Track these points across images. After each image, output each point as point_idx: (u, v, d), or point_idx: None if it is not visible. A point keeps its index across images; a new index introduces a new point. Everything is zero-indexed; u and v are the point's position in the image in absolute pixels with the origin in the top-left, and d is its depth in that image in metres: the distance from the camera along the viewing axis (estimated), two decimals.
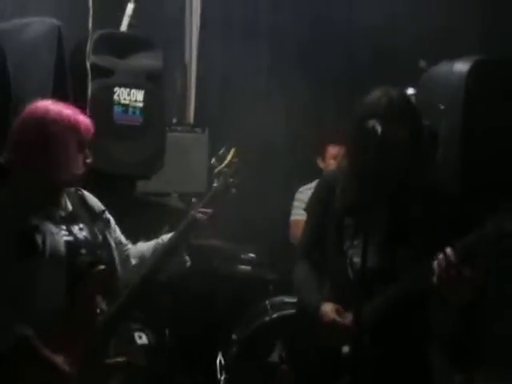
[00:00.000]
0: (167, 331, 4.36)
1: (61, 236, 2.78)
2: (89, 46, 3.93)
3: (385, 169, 2.73)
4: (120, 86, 4.02)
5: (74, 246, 2.80)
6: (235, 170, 2.98)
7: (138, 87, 4.06)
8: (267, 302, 4.17)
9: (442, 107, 3.59)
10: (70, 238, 2.82)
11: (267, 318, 4.08)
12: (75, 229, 2.86)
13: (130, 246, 3.11)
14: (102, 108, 3.95)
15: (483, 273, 2.59)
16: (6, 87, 3.41)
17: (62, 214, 2.86)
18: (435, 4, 5.18)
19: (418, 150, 2.81)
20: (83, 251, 2.83)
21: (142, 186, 4.43)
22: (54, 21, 3.75)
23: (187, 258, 3.10)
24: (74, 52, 4.01)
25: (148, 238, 3.21)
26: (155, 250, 3.03)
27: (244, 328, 4.16)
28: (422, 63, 4.11)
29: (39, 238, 2.70)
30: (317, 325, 2.81)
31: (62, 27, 3.76)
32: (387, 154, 2.68)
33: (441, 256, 2.50)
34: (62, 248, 2.76)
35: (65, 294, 2.74)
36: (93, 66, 3.93)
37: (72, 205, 2.92)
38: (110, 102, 3.99)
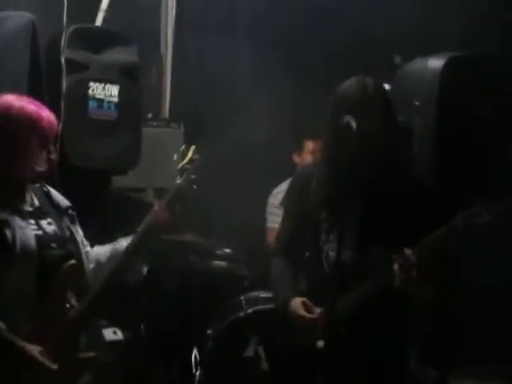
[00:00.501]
0: (142, 326, 4.35)
1: (30, 230, 2.76)
2: (63, 41, 3.90)
3: (360, 163, 2.74)
4: (95, 81, 3.97)
5: (44, 239, 2.78)
6: (196, 166, 2.99)
7: (112, 82, 4.02)
8: (242, 298, 4.17)
9: (417, 103, 3.60)
10: (40, 232, 2.79)
11: (242, 314, 4.08)
12: (44, 223, 2.84)
13: (88, 248, 3.07)
14: (76, 103, 3.91)
15: (446, 268, 2.62)
16: None
17: (29, 209, 2.83)
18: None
19: (393, 144, 2.82)
20: (53, 245, 2.81)
21: (117, 181, 4.39)
22: (29, 15, 3.72)
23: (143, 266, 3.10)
24: (48, 46, 3.99)
25: (123, 234, 3.19)
26: (114, 255, 2.98)
27: (219, 323, 4.15)
28: (397, 59, 4.12)
29: (9, 233, 2.69)
30: (288, 319, 2.82)
31: (37, 22, 3.75)
32: (362, 148, 2.70)
33: (400, 257, 2.52)
34: (33, 242, 2.73)
35: (35, 289, 2.72)
36: (67, 60, 3.90)
37: (38, 200, 2.89)
38: (84, 96, 3.94)
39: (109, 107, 4.02)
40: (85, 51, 3.99)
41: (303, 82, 5.30)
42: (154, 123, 4.77)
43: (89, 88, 3.96)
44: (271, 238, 4.61)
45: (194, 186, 2.96)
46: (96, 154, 3.99)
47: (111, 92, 4.02)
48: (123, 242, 2.97)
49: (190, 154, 3.03)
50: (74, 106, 3.89)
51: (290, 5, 5.38)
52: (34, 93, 3.47)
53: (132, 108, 4.12)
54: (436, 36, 4.78)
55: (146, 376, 4.43)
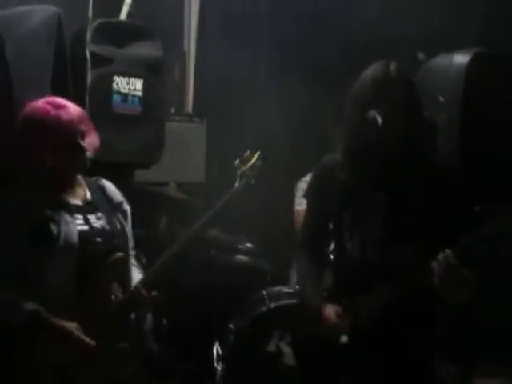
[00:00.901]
0: (165, 321, 4.35)
1: (75, 225, 2.84)
2: (88, 35, 3.90)
3: (385, 158, 2.70)
4: (119, 75, 3.97)
5: (88, 234, 2.86)
6: (257, 172, 3.00)
7: (137, 76, 4.01)
8: (264, 292, 4.15)
9: (442, 99, 3.58)
10: (86, 227, 2.88)
11: (264, 308, 4.06)
12: (92, 218, 2.92)
13: (133, 252, 3.16)
14: (101, 96, 3.91)
15: (480, 275, 2.57)
16: (5, 75, 3.39)
17: (79, 203, 2.92)
18: None
19: (418, 131, 2.76)
20: (99, 239, 2.88)
21: (140, 175, 4.40)
22: (55, 8, 3.72)
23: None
24: (73, 40, 3.98)
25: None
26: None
27: (241, 318, 4.14)
28: (420, 55, 4.10)
29: (54, 227, 2.77)
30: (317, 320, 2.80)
31: (62, 15, 3.75)
32: (386, 140, 2.66)
33: (441, 257, 2.47)
34: (75, 236, 2.81)
35: (76, 282, 2.80)
36: (92, 54, 3.90)
37: (92, 195, 2.98)
38: (109, 90, 3.94)
39: (133, 101, 4.01)
40: (109, 45, 3.98)
41: (324, 81, 5.29)
42: (177, 118, 4.79)
43: (113, 82, 3.96)
44: (298, 219, 4.62)
45: (253, 191, 2.98)
46: (119, 148, 3.99)
47: (135, 86, 4.02)
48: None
49: (253, 160, 3.04)
50: (99, 99, 3.89)
51: (312, 3, 5.37)
52: (58, 86, 3.50)
53: (156, 102, 4.10)
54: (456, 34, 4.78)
55: (168, 369, 4.44)
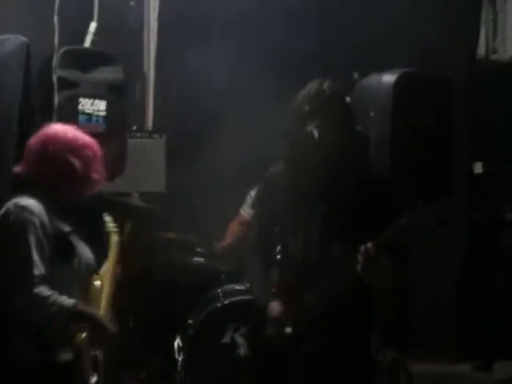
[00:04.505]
0: (131, 318, 4.36)
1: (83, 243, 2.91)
2: (55, 61, 3.92)
3: (322, 167, 2.77)
4: (84, 97, 3.99)
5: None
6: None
7: (100, 98, 4.03)
8: (219, 290, 4.20)
9: (373, 115, 3.64)
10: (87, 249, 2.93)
11: (219, 304, 4.11)
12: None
13: None
14: (67, 117, 3.87)
15: (401, 260, 2.66)
16: None
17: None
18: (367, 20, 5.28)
19: (352, 149, 2.83)
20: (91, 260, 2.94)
21: (106, 186, 4.41)
22: (23, 38, 3.74)
23: None
24: (41, 66, 4.00)
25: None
26: None
27: (199, 313, 4.17)
28: (355, 75, 4.18)
29: (72, 245, 2.84)
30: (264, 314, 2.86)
31: (30, 43, 3.76)
32: (324, 154, 2.73)
33: (362, 249, 2.57)
34: (91, 256, 2.91)
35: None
36: (59, 79, 3.90)
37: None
38: (75, 111, 3.95)
39: (97, 120, 4.03)
40: (75, 70, 3.99)
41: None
42: (139, 134, 4.81)
43: (79, 103, 3.97)
44: (234, 222, 4.69)
45: None
46: None
47: (99, 107, 4.04)
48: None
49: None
50: (66, 119, 3.81)
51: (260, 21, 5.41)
52: (26, 109, 3.51)
53: (118, 121, 4.13)
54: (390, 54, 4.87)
55: (135, 362, 4.45)
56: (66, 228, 2.85)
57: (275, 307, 2.83)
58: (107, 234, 3.17)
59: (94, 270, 2.93)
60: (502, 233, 5.02)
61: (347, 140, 2.80)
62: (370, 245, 2.56)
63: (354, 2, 5.35)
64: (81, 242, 2.90)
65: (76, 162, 2.87)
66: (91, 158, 2.93)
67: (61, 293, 2.71)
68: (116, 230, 3.14)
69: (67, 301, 2.70)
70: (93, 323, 2.75)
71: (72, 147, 2.90)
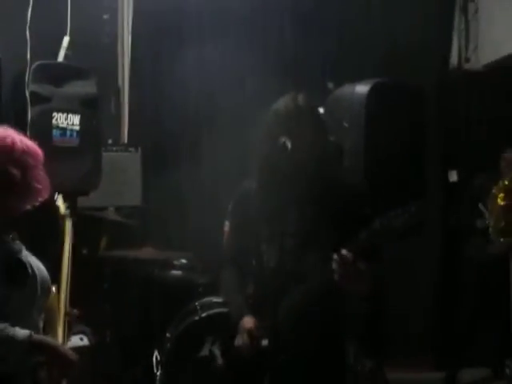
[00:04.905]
0: (108, 333, 4.33)
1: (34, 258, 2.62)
2: (28, 76, 3.90)
3: (295, 177, 2.76)
4: (58, 111, 3.97)
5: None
6: None
7: (74, 112, 4.02)
8: (197, 303, 4.14)
9: (346, 125, 3.65)
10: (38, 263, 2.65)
11: (197, 317, 4.05)
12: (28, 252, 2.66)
13: None
14: (41, 131, 3.89)
15: (377, 264, 2.63)
16: None
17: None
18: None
19: (325, 156, 2.81)
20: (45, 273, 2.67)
21: (81, 201, 4.38)
22: None
23: None
24: (14, 81, 3.98)
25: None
26: None
27: (177, 326, 4.12)
28: (330, 85, 4.19)
29: (28, 265, 2.55)
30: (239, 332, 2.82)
31: (3, 58, 3.74)
32: (296, 164, 2.72)
33: (336, 256, 2.54)
34: (44, 270, 2.63)
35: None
36: (32, 93, 3.89)
37: None
38: (48, 125, 3.93)
39: (71, 135, 4.01)
40: (48, 85, 3.98)
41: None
42: (114, 148, 4.79)
43: (52, 118, 3.95)
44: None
45: None
46: (61, 178, 3.96)
47: (73, 121, 4.02)
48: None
49: None
50: (39, 134, 3.83)
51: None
52: None
53: (92, 135, 4.12)
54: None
55: (112, 377, 4.41)
56: (15, 247, 2.55)
57: (249, 321, 2.79)
58: (62, 219, 2.94)
59: (49, 284, 2.66)
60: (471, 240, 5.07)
61: (320, 151, 2.78)
62: (344, 251, 2.53)
63: (327, 13, 5.38)
64: (32, 258, 2.60)
65: (15, 172, 2.49)
66: (33, 167, 2.55)
67: (19, 316, 2.48)
68: (69, 213, 2.85)
69: (20, 333, 2.42)
70: (51, 353, 2.49)
71: (11, 155, 2.50)
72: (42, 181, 2.57)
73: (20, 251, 2.56)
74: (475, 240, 4.96)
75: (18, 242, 2.59)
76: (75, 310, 2.67)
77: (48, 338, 2.56)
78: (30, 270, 2.53)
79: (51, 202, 4.02)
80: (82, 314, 2.76)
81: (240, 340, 2.79)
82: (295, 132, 2.70)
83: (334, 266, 2.53)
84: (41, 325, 2.62)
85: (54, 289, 2.71)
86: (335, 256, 2.53)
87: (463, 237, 5.13)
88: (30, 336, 2.42)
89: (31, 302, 2.55)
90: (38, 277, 2.57)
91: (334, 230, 2.67)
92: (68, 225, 2.82)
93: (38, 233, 2.96)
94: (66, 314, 2.67)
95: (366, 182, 3.54)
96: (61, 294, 2.72)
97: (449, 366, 4.99)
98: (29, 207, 2.58)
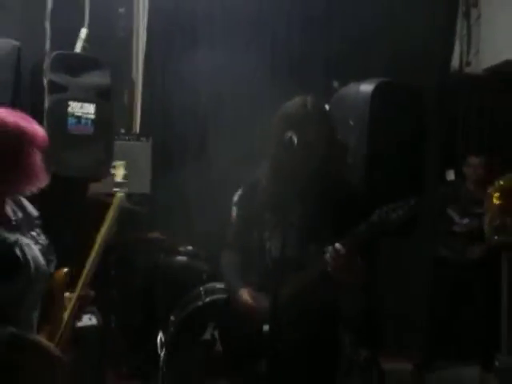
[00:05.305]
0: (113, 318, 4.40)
1: (34, 246, 2.48)
2: (46, 65, 3.98)
3: (300, 172, 2.85)
4: (73, 101, 4.05)
5: (43, 253, 2.51)
6: None
7: (89, 101, 4.10)
8: (201, 289, 4.23)
9: (351, 123, 3.69)
10: (39, 246, 2.50)
11: (201, 303, 4.14)
12: (34, 235, 2.52)
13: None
14: (57, 119, 3.98)
15: (370, 257, 2.73)
16: None
17: (14, 221, 2.48)
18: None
19: (330, 155, 2.90)
20: (51, 257, 2.54)
21: (93, 187, 4.47)
22: (15, 42, 3.80)
23: None
24: (33, 69, 4.06)
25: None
26: None
27: (181, 311, 4.20)
28: (335, 83, 4.24)
29: (20, 253, 2.40)
30: (237, 307, 2.91)
31: (23, 47, 3.82)
32: (302, 160, 2.80)
33: (330, 248, 2.64)
34: (41, 258, 2.47)
35: (42, 302, 2.52)
36: (49, 82, 3.97)
37: (18, 211, 2.53)
38: (64, 114, 4.01)
39: (86, 123, 4.09)
40: (65, 74, 4.06)
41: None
42: (126, 137, 4.87)
43: (68, 106, 4.03)
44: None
45: None
46: (74, 164, 4.06)
47: (88, 110, 4.09)
48: None
49: None
50: (55, 122, 3.96)
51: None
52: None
53: (106, 124, 4.19)
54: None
55: (120, 357, 4.49)
56: (10, 238, 2.40)
57: (245, 297, 2.88)
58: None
59: (45, 270, 2.49)
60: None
61: (327, 150, 2.87)
62: (338, 244, 2.62)
63: (334, 15, 5.44)
64: (30, 246, 2.45)
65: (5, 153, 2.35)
66: (26, 150, 2.40)
67: (16, 309, 2.39)
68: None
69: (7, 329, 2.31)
70: (34, 351, 2.38)
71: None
72: (35, 166, 2.43)
73: (15, 242, 2.41)
74: (449, 241, 5.12)
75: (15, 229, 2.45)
76: (92, 292, 2.68)
77: (31, 336, 2.43)
78: (22, 260, 2.39)
79: (83, 187, 4.11)
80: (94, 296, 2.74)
81: (238, 302, 2.87)
82: (304, 132, 2.77)
83: (327, 257, 2.65)
84: (35, 314, 2.51)
85: (65, 270, 2.57)
86: (330, 248, 2.65)
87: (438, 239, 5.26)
88: (12, 334, 2.32)
89: (22, 293, 2.41)
90: (31, 267, 2.41)
91: (335, 225, 2.76)
92: (112, 213, 2.76)
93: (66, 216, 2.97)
94: (79, 296, 2.64)
95: (369, 179, 3.58)
96: (82, 276, 2.58)
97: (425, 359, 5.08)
98: (26, 193, 2.47)
